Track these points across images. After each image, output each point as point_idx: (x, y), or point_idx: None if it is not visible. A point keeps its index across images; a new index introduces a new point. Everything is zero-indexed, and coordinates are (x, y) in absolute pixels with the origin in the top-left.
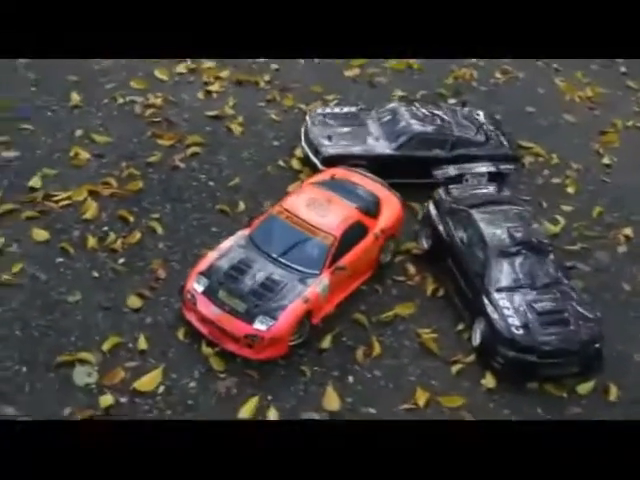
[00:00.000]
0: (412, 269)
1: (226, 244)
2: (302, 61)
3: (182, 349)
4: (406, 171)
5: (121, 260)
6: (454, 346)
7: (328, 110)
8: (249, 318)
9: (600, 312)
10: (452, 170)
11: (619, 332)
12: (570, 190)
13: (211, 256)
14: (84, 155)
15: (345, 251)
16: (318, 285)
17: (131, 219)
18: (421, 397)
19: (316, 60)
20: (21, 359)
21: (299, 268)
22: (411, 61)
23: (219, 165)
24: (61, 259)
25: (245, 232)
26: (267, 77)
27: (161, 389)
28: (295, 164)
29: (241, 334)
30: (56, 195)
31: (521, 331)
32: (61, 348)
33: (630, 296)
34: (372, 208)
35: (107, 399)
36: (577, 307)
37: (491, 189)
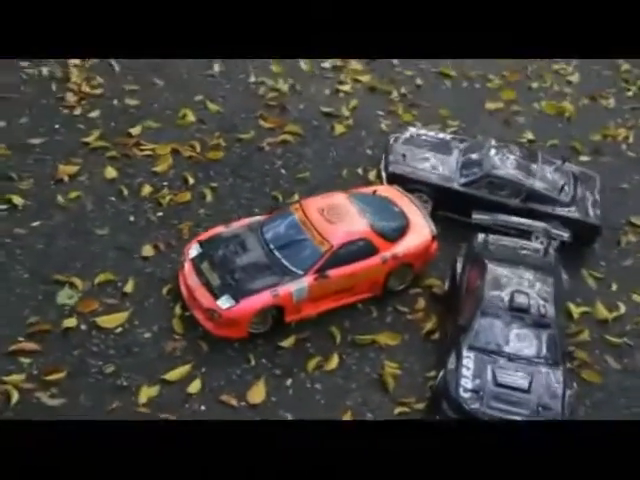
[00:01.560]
0: (421, 305)
1: (239, 223)
2: (448, 83)
3: (159, 303)
4: (470, 210)
5: (159, 213)
6: (413, 389)
7: (422, 132)
8: (217, 294)
9: (602, 412)
10: (487, 218)
11: None
12: None
13: (218, 229)
14: (190, 118)
15: (342, 263)
16: (295, 285)
17: (191, 181)
18: None
19: (464, 84)
20: (28, 268)
21: (286, 264)
22: (566, 107)
23: (300, 157)
24: (113, 198)
25: (263, 218)
26: (403, 90)
27: (118, 330)
28: (371, 175)
29: (205, 306)
30: (144, 145)
31: (468, 395)
32: (63, 268)
33: None
34: (391, 232)
35: (71, 321)
36: (551, 395)
37: (536, 251)
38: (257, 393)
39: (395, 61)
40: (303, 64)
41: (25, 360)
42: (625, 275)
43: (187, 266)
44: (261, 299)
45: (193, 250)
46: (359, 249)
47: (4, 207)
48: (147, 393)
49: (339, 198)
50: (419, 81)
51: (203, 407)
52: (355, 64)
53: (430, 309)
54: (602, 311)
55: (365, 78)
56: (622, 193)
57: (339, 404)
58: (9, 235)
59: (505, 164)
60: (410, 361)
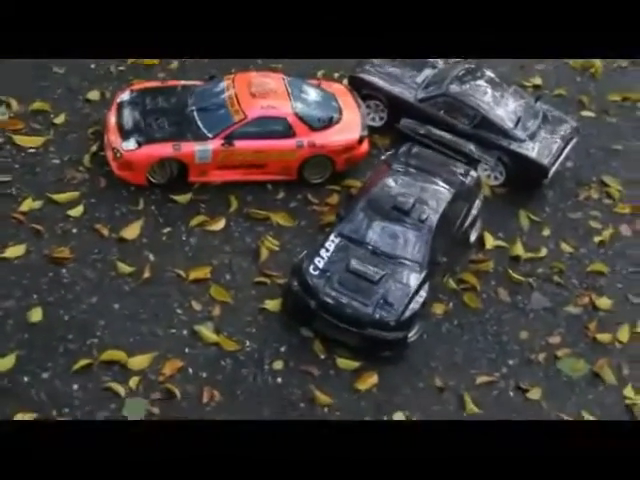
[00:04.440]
0: (333, 200)
1: (177, 83)
2: None
3: (80, 139)
4: None
5: (121, 68)
6: (284, 267)
7: None
8: (124, 137)
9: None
10: (417, 126)
11: (446, 356)
12: (596, 239)
13: (155, 83)
14: None
15: (253, 137)
16: (199, 145)
17: None
18: (198, 272)
19: None
20: None
21: (199, 125)
22: (594, 63)
23: None
24: None
25: (199, 83)
26: None
27: (31, 150)
28: (344, 82)
29: (112, 145)
30: None
31: (316, 273)
32: (7, 91)
33: (512, 345)
34: (316, 121)
35: None
36: (398, 293)
37: (455, 171)
38: (131, 230)
39: None
40: None
41: None
42: (565, 225)
43: (112, 108)
44: (162, 149)
45: (124, 95)
46: (275, 128)
47: None
48: (29, 205)
49: (275, 77)
50: None
51: (75, 230)
52: None
53: (340, 207)
54: (518, 249)
55: None
56: (611, 153)
57: (203, 260)
58: None
59: (469, 88)
60: (294, 243)
